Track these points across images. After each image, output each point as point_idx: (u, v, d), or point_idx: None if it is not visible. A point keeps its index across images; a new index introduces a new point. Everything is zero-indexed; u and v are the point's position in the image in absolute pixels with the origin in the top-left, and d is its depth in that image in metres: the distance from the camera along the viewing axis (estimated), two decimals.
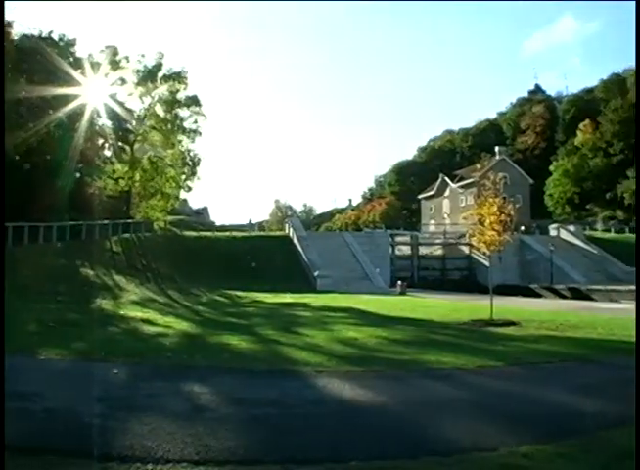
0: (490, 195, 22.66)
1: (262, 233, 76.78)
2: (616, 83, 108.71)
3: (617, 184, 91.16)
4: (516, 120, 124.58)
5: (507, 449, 6.37)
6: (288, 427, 7.54)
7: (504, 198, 23.72)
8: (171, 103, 57.66)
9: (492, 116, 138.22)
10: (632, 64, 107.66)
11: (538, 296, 47.44)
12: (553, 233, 70.16)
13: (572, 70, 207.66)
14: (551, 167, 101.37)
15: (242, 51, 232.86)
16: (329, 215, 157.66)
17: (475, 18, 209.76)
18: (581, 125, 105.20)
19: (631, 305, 32.91)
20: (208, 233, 64.13)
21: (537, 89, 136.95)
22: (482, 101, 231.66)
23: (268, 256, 52.43)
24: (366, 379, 10.75)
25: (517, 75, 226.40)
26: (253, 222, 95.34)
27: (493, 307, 21.44)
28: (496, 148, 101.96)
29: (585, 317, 23.12)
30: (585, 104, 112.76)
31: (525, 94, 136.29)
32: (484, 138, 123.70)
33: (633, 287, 42.13)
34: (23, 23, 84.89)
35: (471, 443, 6.71)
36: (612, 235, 76.80)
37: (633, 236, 73.73)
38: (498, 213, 22.25)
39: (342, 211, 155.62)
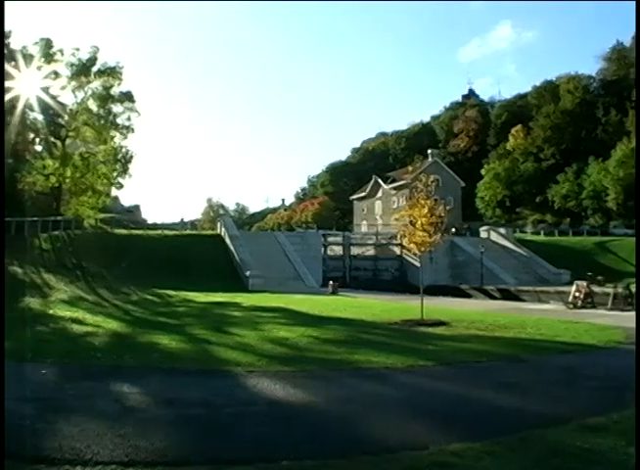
0: (422, 197, 22.87)
1: (194, 232, 75.79)
2: (548, 90, 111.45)
3: (547, 188, 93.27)
4: (449, 124, 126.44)
5: (437, 448, 6.44)
6: (218, 427, 7.52)
7: (435, 200, 24.00)
8: (105, 98, 56.49)
9: (427, 119, 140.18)
10: (566, 71, 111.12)
11: (469, 296, 48.03)
12: (484, 235, 71.18)
13: (507, 76, 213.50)
14: (482, 171, 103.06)
15: (172, 49, 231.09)
16: (262, 215, 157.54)
17: (413, 21, 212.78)
18: (513, 130, 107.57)
19: (559, 306, 33.75)
20: (140, 231, 62.88)
21: (471, 94, 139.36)
22: (418, 104, 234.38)
23: (200, 255, 51.89)
24: (297, 379, 10.76)
25: (452, 80, 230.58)
26: (185, 221, 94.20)
27: (424, 307, 21.64)
28: (429, 151, 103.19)
29: (514, 318, 23.54)
30: (518, 109, 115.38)
31: (459, 98, 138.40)
32: (418, 141, 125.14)
33: (561, 288, 43.12)
34: None
35: (401, 441, 6.78)
36: (541, 238, 78.38)
37: (562, 239, 75.64)
38: (429, 215, 22.49)
39: (274, 210, 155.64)
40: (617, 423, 7.49)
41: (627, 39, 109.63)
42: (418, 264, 25.82)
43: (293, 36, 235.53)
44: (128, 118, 58.51)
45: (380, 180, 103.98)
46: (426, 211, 22.50)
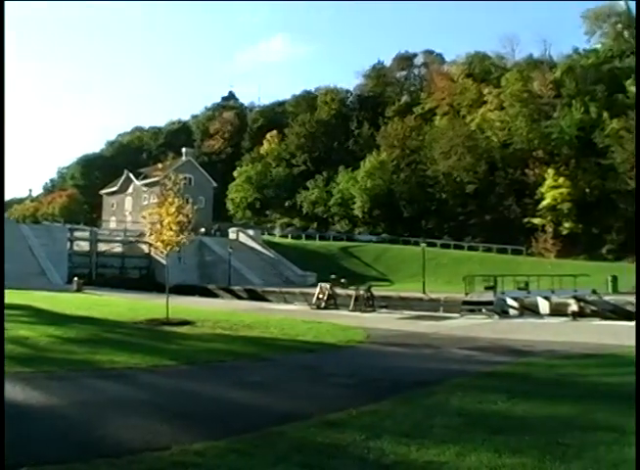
0: (170, 195, 22.65)
1: None
2: (306, 99, 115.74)
3: (297, 193, 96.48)
4: (206, 124, 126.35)
5: (179, 447, 6.33)
6: None
7: (186, 199, 23.86)
8: None
9: (186, 117, 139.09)
10: (324, 84, 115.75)
11: (216, 296, 48.28)
12: (232, 236, 71.97)
13: (276, 84, 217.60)
14: (235, 173, 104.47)
15: None
16: (7, 205, 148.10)
17: (188, 22, 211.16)
18: (268, 135, 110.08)
19: (303, 307, 34.81)
20: None
21: (231, 96, 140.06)
22: (184, 103, 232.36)
23: None
24: (36, 380, 10.22)
25: (220, 82, 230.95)
26: None
27: (171, 307, 21.42)
28: (183, 149, 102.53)
29: (259, 318, 23.97)
30: (275, 116, 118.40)
31: (220, 100, 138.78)
32: (175, 139, 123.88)
33: (306, 290, 44.54)
34: None
35: (143, 442, 6.58)
36: (289, 241, 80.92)
37: (309, 242, 78.58)
38: (177, 214, 22.31)
39: (21, 201, 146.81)
40: (355, 418, 7.80)
41: (388, 59, 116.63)
42: (166, 263, 25.51)
43: (65, 25, 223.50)
44: None
45: (132, 176, 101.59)
46: (174, 209, 22.31)
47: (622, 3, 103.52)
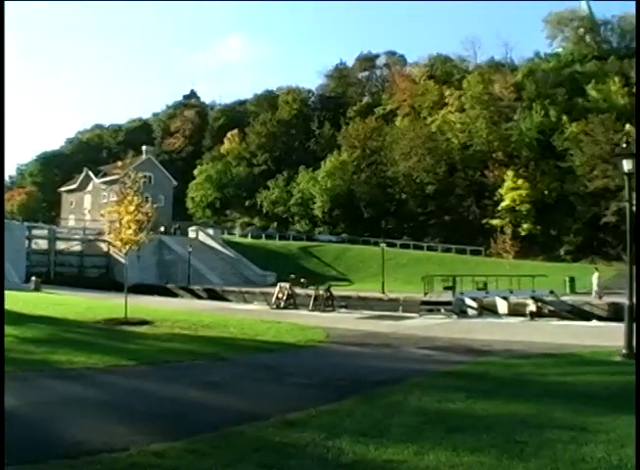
0: (129, 193, 22.48)
1: None
2: (267, 99, 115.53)
3: (258, 193, 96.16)
4: (167, 123, 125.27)
5: (138, 448, 6.26)
6: None
7: (146, 198, 23.72)
8: None
9: (147, 116, 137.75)
10: (285, 83, 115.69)
11: (175, 296, 48.03)
12: (192, 235, 71.52)
13: (239, 84, 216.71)
14: (195, 171, 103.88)
15: None
16: None
17: (151, 17, 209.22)
18: (229, 134, 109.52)
19: (263, 306, 34.76)
20: None
21: (192, 95, 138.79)
22: (145, 101, 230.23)
23: None
24: None
25: (181, 81, 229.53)
26: None
27: (129, 306, 21.29)
28: (143, 147, 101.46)
29: (219, 317, 23.90)
30: (236, 114, 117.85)
31: (181, 98, 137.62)
32: (135, 136, 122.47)
33: (266, 289, 44.50)
34: None
35: (101, 443, 6.49)
36: (249, 240, 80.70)
37: (269, 242, 78.50)
38: (136, 212, 22.15)
39: None
40: (315, 418, 7.80)
41: (351, 59, 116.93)
42: (125, 262, 25.30)
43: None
44: None
45: (91, 173, 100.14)
46: (133, 208, 22.16)
47: (585, 7, 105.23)
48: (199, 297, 48.19)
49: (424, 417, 7.76)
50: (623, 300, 15.33)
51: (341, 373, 11.96)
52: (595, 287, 38.14)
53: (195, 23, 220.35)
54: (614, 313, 29.17)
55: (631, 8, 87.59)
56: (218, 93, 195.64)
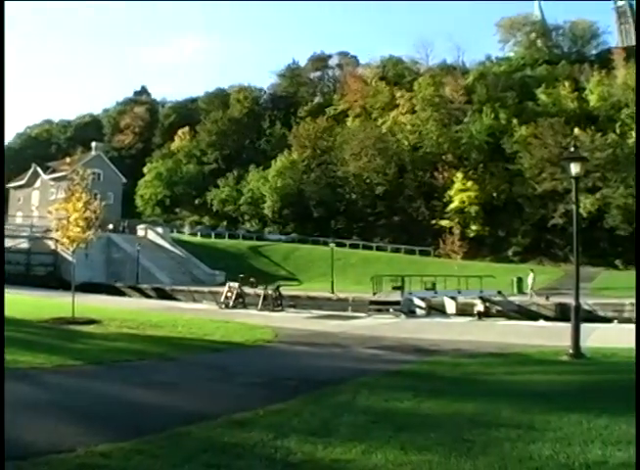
0: (78, 190, 22.21)
1: None
2: (219, 97, 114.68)
3: (208, 191, 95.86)
4: (117, 119, 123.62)
5: (85, 449, 6.18)
6: None
7: (95, 195, 23.44)
8: None
9: (97, 111, 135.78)
10: (238, 82, 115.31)
11: (124, 295, 47.50)
12: (141, 233, 70.66)
13: (186, 80, 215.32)
14: (145, 169, 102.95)
15: None
16: None
17: (103, 12, 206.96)
18: (180, 132, 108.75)
19: (212, 306, 34.58)
20: None
21: (143, 91, 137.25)
22: (95, 97, 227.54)
23: None
24: None
25: (133, 78, 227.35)
26: None
27: (77, 305, 21.04)
28: (93, 143, 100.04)
29: (167, 317, 23.79)
30: (187, 112, 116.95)
31: (132, 95, 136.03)
32: (85, 132, 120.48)
33: (215, 289, 44.22)
34: None
35: (48, 444, 6.40)
36: (198, 239, 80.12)
37: (218, 241, 78.14)
38: (84, 210, 21.91)
39: None
40: (263, 418, 7.79)
41: (304, 59, 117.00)
42: (72, 260, 24.91)
43: None
44: None
45: (39, 169, 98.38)
46: (81, 205, 21.95)
47: (538, 13, 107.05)
48: (147, 296, 47.71)
49: (372, 416, 7.81)
50: (570, 300, 15.58)
51: (289, 373, 11.97)
52: (530, 288, 38.93)
53: (148, 21, 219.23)
54: (560, 314, 29.66)
55: (582, 14, 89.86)
56: (171, 91, 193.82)
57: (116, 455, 6.03)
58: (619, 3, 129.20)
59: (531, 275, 39.97)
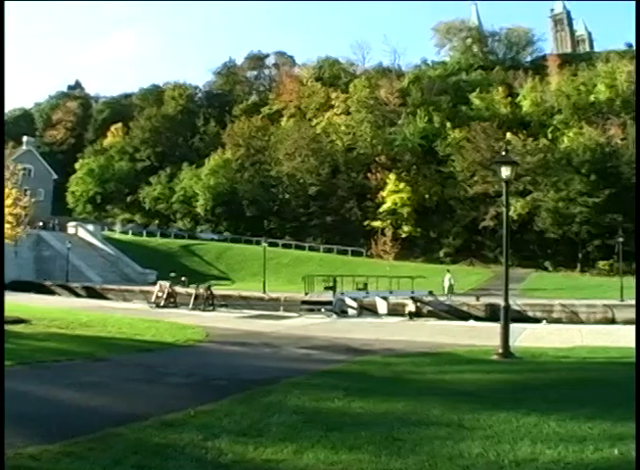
0: (7, 186, 21.78)
1: None
2: (154, 93, 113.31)
3: (140, 189, 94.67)
4: (49, 113, 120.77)
5: (13, 451, 6.07)
6: None
7: (25, 191, 23.01)
8: None
9: (29, 105, 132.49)
10: (172, 79, 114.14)
11: (53, 293, 46.57)
12: (71, 231, 69.45)
13: (122, 76, 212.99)
14: (77, 165, 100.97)
15: None
16: None
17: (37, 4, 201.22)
18: (113, 128, 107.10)
19: (143, 305, 34.21)
20: None
21: (77, 85, 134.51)
22: (27, 90, 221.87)
23: None
24: None
25: (67, 73, 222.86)
26: None
27: (5, 304, 20.49)
28: (24, 138, 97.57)
29: (97, 316, 23.46)
30: (121, 108, 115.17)
31: (65, 89, 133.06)
32: (16, 127, 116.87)
33: (146, 288, 43.83)
34: None
35: None
36: (129, 237, 79.10)
37: (150, 239, 77.52)
38: (13, 206, 21.50)
39: None
40: (193, 418, 7.77)
41: (240, 57, 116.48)
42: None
43: None
44: None
45: None
46: (10, 201, 21.45)
47: (475, 19, 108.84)
48: (77, 295, 46.95)
49: (303, 416, 7.85)
50: (500, 301, 15.87)
51: (220, 373, 11.95)
52: (447, 288, 39.40)
53: (84, 15, 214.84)
54: (491, 314, 30.24)
55: (518, 21, 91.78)
56: (106, 86, 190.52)
57: (45, 457, 5.96)
58: (556, 11, 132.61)
59: (448, 276, 40.23)
